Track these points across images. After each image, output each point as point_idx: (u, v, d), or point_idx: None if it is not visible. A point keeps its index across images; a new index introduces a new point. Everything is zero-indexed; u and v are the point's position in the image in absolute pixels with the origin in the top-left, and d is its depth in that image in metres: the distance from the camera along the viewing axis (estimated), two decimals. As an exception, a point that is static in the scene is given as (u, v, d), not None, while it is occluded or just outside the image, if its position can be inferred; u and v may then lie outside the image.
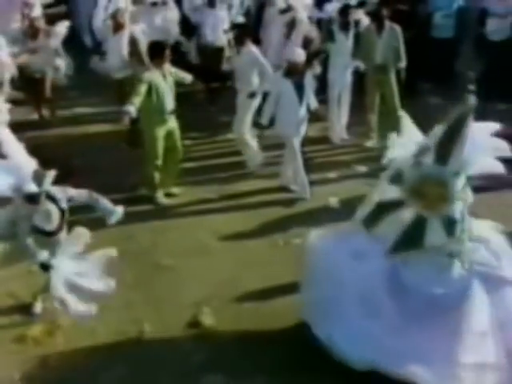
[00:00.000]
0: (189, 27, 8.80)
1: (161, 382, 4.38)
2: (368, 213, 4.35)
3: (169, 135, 6.36)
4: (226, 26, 8.50)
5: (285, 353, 4.50)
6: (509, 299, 4.16)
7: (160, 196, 6.54)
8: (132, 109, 5.82)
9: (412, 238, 4.16)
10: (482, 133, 4.32)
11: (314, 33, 7.90)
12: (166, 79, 6.16)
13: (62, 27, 7.68)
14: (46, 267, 4.43)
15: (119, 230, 4.97)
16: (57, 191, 4.49)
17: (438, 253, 4.17)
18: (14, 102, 6.87)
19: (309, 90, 6.46)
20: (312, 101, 6.52)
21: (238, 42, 7.11)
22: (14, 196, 4.33)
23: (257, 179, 6.98)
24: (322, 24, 8.26)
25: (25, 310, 4.91)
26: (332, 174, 7.11)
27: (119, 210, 4.83)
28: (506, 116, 6.05)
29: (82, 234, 4.54)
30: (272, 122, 6.53)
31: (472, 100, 4.28)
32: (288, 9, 8.00)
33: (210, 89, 8.91)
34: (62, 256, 4.48)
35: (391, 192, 4.28)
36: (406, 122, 4.59)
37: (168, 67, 6.23)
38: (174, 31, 8.53)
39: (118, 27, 7.21)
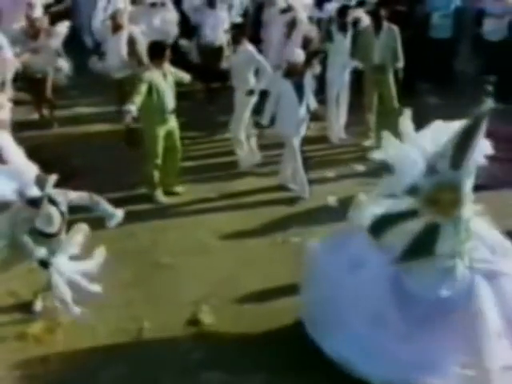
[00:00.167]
0: (189, 27, 8.84)
1: (160, 379, 4.40)
2: (376, 222, 4.30)
3: (169, 135, 6.39)
4: (226, 26, 8.53)
5: (284, 350, 4.52)
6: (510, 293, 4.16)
7: (159, 195, 6.56)
8: (133, 108, 5.84)
9: (423, 246, 4.12)
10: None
11: (313, 32, 7.94)
12: (166, 79, 6.19)
13: (63, 27, 7.70)
14: (45, 264, 4.47)
15: (119, 228, 4.99)
16: (58, 194, 4.53)
17: (443, 256, 4.15)
18: (15, 102, 6.90)
19: (308, 90, 6.50)
20: (311, 101, 6.56)
21: (235, 41, 7.14)
22: (17, 200, 4.37)
23: (256, 178, 7.01)
24: (321, 24, 8.29)
25: (25, 308, 4.94)
26: (330, 173, 7.15)
27: (119, 212, 4.86)
28: (504, 116, 6.09)
29: (82, 229, 4.61)
30: (272, 122, 6.57)
31: (490, 103, 4.25)
32: (288, 9, 8.04)
33: (210, 88, 8.95)
34: (61, 254, 4.53)
35: (397, 203, 4.26)
36: (406, 121, 4.57)
37: (168, 67, 6.27)
38: (173, 32, 8.55)
39: (116, 28, 7.24)
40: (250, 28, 8.31)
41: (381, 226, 4.26)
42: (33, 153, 4.76)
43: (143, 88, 5.96)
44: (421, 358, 4.03)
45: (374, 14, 7.56)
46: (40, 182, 4.35)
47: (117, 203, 4.99)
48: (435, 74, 9.18)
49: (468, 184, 4.11)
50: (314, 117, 6.98)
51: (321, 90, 7.66)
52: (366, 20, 7.85)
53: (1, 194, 4.28)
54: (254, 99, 7.01)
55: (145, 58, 6.89)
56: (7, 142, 4.56)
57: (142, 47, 7.11)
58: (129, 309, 4.98)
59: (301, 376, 4.34)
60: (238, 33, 7.11)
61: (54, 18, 8.10)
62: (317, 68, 7.44)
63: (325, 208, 6.42)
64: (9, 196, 4.30)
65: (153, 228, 6.10)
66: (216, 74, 8.14)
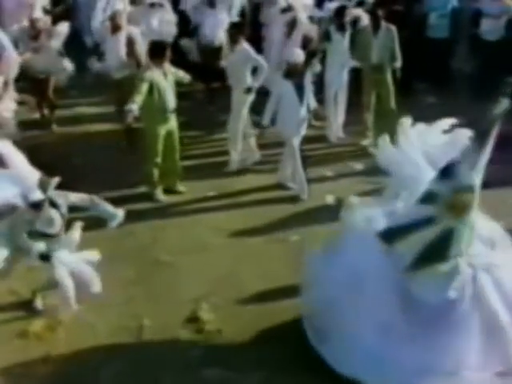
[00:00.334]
0: (189, 27, 8.87)
1: (160, 377, 4.42)
2: (390, 229, 4.22)
3: (169, 135, 6.42)
4: (226, 26, 8.55)
5: (284, 348, 4.54)
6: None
7: (159, 193, 6.59)
8: (134, 107, 5.86)
9: (437, 252, 4.04)
10: (436, 132, 4.40)
11: (313, 32, 7.98)
12: (166, 78, 6.22)
13: (64, 27, 7.72)
14: (46, 257, 4.52)
15: (119, 227, 5.01)
16: (58, 196, 4.56)
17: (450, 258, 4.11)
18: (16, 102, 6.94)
19: (309, 90, 6.53)
20: (311, 101, 6.60)
21: (233, 40, 7.18)
22: (20, 203, 4.41)
23: (255, 177, 7.04)
24: (321, 23, 8.33)
25: (26, 306, 4.96)
26: (329, 172, 7.19)
27: (120, 212, 4.89)
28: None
29: (78, 226, 4.67)
30: (273, 121, 6.59)
31: (507, 103, 4.24)
32: (288, 8, 8.07)
33: (210, 88, 8.97)
34: (62, 250, 4.58)
35: (413, 212, 4.19)
36: (405, 126, 4.55)
37: (168, 66, 6.29)
38: (172, 33, 8.58)
39: (115, 28, 7.27)
40: (247, 27, 8.33)
41: (395, 233, 4.17)
42: (33, 153, 4.80)
43: (144, 87, 5.99)
44: (425, 363, 4.01)
45: (372, 14, 7.60)
46: (42, 185, 4.40)
47: (117, 202, 5.03)
48: (432, 73, 9.21)
49: (478, 184, 4.07)
50: (314, 116, 7.02)
51: (319, 90, 7.69)
52: (365, 19, 7.87)
53: (4, 197, 4.33)
54: (251, 97, 7.02)
55: (143, 59, 6.93)
56: (9, 149, 4.59)
57: (141, 48, 7.15)
58: (129, 307, 5.01)
59: (301, 373, 4.36)
60: (235, 32, 7.14)
61: (55, 19, 8.13)
62: (317, 67, 7.49)
63: (323, 207, 6.44)
64: (12, 200, 4.35)
65: (153, 226, 6.13)
66: (216, 73, 8.16)
